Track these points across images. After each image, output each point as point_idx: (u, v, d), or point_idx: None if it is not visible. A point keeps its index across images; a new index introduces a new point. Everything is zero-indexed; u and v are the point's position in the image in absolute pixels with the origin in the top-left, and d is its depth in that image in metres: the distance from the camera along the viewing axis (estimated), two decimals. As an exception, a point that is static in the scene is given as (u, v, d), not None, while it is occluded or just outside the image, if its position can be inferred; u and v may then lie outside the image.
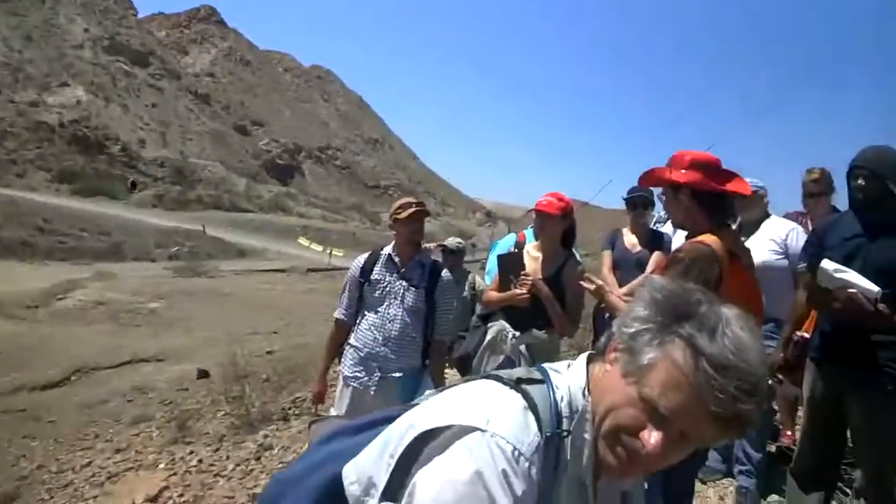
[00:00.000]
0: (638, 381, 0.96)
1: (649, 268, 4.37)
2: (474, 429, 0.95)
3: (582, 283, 3.03)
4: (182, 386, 7.59)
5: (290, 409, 6.17)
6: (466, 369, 3.73)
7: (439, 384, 3.16)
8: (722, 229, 2.47)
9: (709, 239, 2.38)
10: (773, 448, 4.46)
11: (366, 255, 3.73)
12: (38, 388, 7.73)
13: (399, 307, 3.50)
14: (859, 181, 2.81)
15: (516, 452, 0.93)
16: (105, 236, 31.03)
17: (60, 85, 57.33)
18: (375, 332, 3.48)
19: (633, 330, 1.00)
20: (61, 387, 7.94)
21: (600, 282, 2.95)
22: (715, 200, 2.46)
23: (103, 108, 60.52)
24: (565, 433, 1.01)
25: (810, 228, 4.31)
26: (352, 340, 3.61)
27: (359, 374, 3.50)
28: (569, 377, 1.10)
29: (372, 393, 3.43)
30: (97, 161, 49.96)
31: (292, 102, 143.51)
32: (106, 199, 44.50)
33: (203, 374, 7.84)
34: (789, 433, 4.51)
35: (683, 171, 2.45)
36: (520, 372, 1.12)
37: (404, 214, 3.48)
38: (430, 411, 1.06)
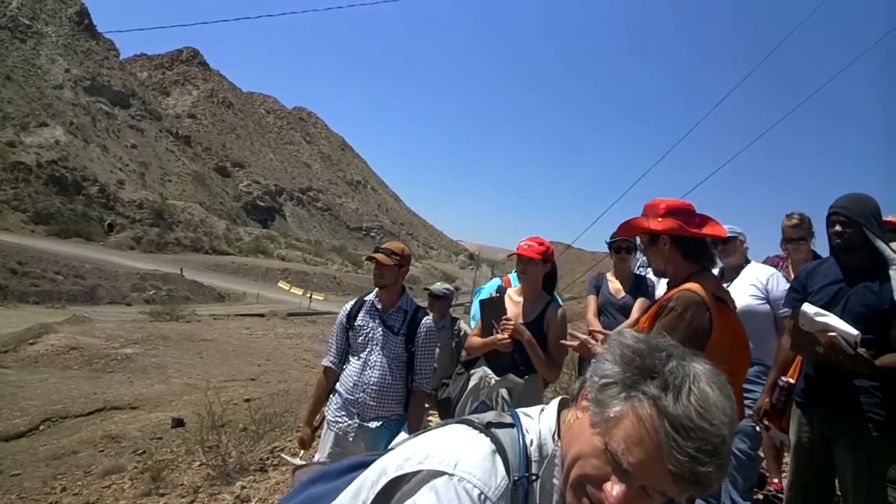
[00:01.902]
0: (604, 433, 0.96)
1: (634, 313, 4.39)
2: (442, 473, 0.97)
3: (564, 342, 3.00)
4: (156, 435, 7.39)
5: (268, 459, 6.00)
6: (448, 413, 3.66)
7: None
8: (702, 274, 2.49)
9: (694, 286, 2.39)
10: (760, 496, 4.41)
11: (353, 301, 3.73)
12: (4, 438, 7.47)
13: (380, 354, 3.47)
14: (837, 227, 2.87)
15: (482, 496, 0.95)
16: (80, 279, 30.53)
17: (39, 125, 56.95)
18: (356, 377, 3.46)
19: (602, 382, 1.00)
20: (28, 437, 7.68)
21: (583, 336, 2.91)
22: (693, 246, 2.48)
23: (82, 149, 60.18)
24: (533, 477, 1.02)
25: (790, 272, 4.36)
26: (337, 385, 3.59)
27: (340, 420, 3.47)
28: (540, 422, 1.11)
29: (351, 438, 3.40)
30: (74, 202, 49.57)
31: (274, 144, 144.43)
32: (82, 240, 44.07)
33: (178, 423, 7.64)
34: (776, 480, 4.48)
35: (660, 219, 2.47)
36: (490, 416, 1.13)
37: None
38: (401, 457, 1.07)
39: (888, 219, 4.51)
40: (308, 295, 40.43)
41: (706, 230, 2.47)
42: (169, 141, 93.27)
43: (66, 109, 66.87)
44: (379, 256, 3.48)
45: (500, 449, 1.02)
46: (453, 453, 1.00)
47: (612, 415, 0.96)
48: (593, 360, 1.09)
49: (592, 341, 2.83)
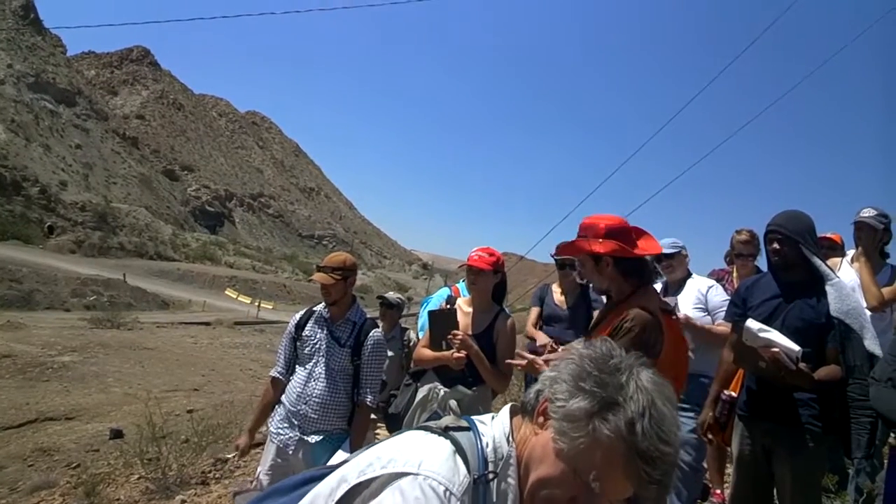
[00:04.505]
0: (572, 458, 1.00)
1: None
2: (406, 473, 0.99)
3: (511, 361, 3.01)
4: (93, 447, 7.11)
5: (210, 472, 5.84)
6: (396, 426, 3.61)
7: (358, 448, 3.03)
8: (644, 290, 2.56)
9: (644, 304, 2.45)
10: (703, 508, 4.48)
11: (303, 311, 3.67)
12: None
13: (325, 366, 3.40)
14: (775, 245, 2.98)
15: (448, 493, 0.98)
16: (16, 283, 29.20)
17: (-23, 122, 54.70)
18: (300, 389, 3.39)
19: (564, 412, 1.03)
20: (-50, 452, 7.26)
21: (530, 356, 2.91)
22: (634, 265, 2.55)
23: (23, 148, 57.84)
24: (492, 475, 1.06)
25: (734, 286, 4.50)
26: (283, 396, 3.51)
27: (281, 431, 3.39)
28: (493, 426, 1.15)
29: (291, 451, 3.33)
30: (13, 203, 47.50)
31: (226, 148, 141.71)
32: (20, 243, 42.19)
33: (117, 434, 7.39)
34: (718, 492, 4.56)
35: (601, 240, 2.52)
36: (447, 421, 1.17)
37: None
38: (363, 463, 1.08)
39: (826, 236, 4.72)
40: (256, 303, 39.73)
41: (642, 245, 2.56)
42: (115, 142, 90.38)
43: (7, 106, 64.13)
44: (319, 277, 3.42)
45: (459, 450, 1.05)
46: (416, 455, 1.03)
47: (579, 447, 1.00)
48: (547, 372, 1.13)
49: (539, 360, 2.84)
